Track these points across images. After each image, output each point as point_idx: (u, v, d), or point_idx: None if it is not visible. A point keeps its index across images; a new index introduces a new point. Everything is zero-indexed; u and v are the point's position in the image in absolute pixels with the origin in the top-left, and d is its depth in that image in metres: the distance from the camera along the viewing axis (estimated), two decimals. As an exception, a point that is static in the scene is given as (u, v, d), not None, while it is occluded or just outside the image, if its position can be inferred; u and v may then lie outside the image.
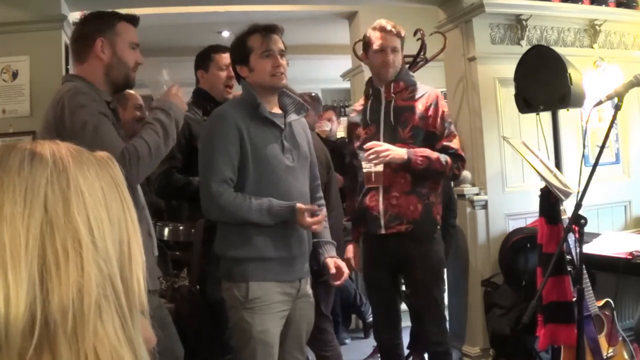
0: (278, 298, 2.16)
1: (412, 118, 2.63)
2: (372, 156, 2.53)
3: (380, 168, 2.56)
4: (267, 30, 2.20)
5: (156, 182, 2.61)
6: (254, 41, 2.20)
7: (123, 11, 2.05)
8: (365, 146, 2.59)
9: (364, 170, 2.59)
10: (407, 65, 2.96)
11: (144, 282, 0.67)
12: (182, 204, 2.86)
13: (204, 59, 2.83)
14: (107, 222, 0.63)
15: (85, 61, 1.94)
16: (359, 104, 2.84)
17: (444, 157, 2.61)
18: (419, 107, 2.65)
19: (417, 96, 2.67)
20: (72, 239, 0.59)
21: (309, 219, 2.12)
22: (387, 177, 2.59)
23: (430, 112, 2.64)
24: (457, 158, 2.67)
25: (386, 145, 2.57)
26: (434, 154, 2.60)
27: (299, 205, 2.12)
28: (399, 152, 2.56)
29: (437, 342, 2.70)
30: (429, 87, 2.75)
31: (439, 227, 2.72)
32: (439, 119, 2.65)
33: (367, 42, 2.71)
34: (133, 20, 2.01)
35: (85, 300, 0.59)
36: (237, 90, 2.40)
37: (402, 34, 2.70)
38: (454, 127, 2.72)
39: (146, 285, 0.67)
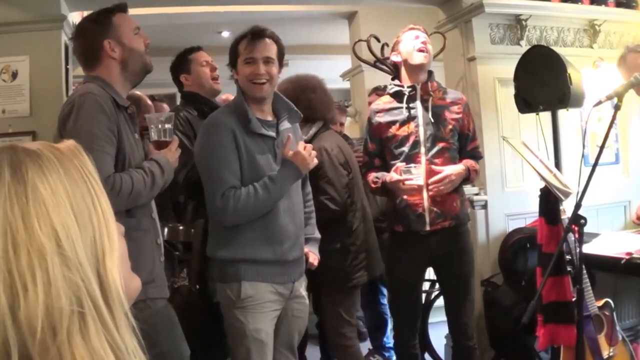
0: (270, 297, 2.17)
1: (451, 118, 2.71)
2: (442, 187, 2.58)
3: (422, 181, 2.59)
4: (254, 36, 2.17)
5: (184, 178, 2.53)
6: (241, 46, 2.19)
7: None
8: (433, 180, 2.59)
9: (408, 183, 2.57)
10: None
11: (120, 278, 0.63)
12: (187, 204, 2.84)
13: (182, 63, 2.87)
14: (74, 227, 0.60)
15: (99, 64, 1.95)
16: (383, 104, 2.79)
17: (471, 164, 2.73)
18: (455, 108, 2.74)
19: (448, 98, 2.76)
20: (38, 257, 0.56)
21: (303, 151, 2.13)
22: (428, 175, 2.62)
23: (464, 115, 2.75)
24: (478, 160, 2.84)
25: (448, 170, 2.60)
26: (468, 162, 2.72)
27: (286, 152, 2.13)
28: (460, 172, 2.64)
29: (470, 336, 2.76)
30: (455, 91, 2.90)
31: (469, 222, 2.83)
32: (471, 122, 2.80)
33: (396, 41, 2.78)
34: (123, 8, 2.01)
35: (56, 318, 0.56)
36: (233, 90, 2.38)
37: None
38: None
39: (122, 282, 0.64)
